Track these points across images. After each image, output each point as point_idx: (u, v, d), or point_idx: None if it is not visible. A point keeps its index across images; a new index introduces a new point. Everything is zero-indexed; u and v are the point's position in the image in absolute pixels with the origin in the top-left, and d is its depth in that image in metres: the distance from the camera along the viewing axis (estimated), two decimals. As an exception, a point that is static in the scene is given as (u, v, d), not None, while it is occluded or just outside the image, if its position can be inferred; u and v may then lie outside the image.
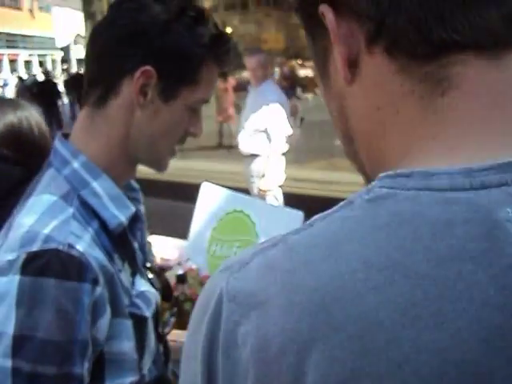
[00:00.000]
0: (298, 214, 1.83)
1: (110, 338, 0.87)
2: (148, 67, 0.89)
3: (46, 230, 0.82)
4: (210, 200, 2.09)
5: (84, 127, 0.95)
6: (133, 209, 0.95)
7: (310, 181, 5.85)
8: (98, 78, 0.93)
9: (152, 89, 0.91)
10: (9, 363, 0.76)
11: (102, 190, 0.91)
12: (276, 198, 4.10)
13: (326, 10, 0.46)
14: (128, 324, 0.91)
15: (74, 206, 0.87)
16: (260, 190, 4.02)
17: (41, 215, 0.84)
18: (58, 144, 0.95)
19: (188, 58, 0.91)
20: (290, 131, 4.13)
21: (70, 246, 0.82)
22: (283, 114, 4.04)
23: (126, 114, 0.92)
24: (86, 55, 0.96)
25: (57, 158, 0.92)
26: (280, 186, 4.14)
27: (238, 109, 7.45)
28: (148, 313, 0.96)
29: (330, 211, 0.45)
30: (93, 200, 0.90)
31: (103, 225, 0.90)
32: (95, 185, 0.91)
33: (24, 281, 0.78)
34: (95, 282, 0.82)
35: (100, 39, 0.93)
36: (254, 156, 4.14)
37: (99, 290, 0.83)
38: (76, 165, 0.91)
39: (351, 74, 0.48)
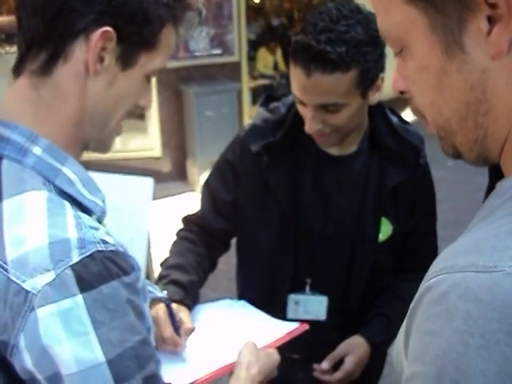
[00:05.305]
0: (148, 180, 1.71)
1: None
2: (107, 28, 0.77)
3: (71, 234, 0.71)
4: None
5: (27, 101, 0.79)
6: (102, 192, 0.85)
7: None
8: (41, 38, 0.78)
9: (109, 54, 0.79)
10: None
11: (73, 175, 0.80)
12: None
13: None
14: None
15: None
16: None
17: (48, 218, 0.71)
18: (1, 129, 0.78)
19: (149, 19, 0.80)
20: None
21: (104, 242, 0.73)
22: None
23: (76, 83, 0.79)
24: (21, 9, 0.79)
25: (9, 147, 0.76)
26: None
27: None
28: None
29: None
30: (69, 188, 0.79)
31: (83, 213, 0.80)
32: (66, 170, 0.79)
33: (89, 297, 0.68)
34: (136, 267, 0.77)
35: None
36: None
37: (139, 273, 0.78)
38: (38, 151, 0.77)
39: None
